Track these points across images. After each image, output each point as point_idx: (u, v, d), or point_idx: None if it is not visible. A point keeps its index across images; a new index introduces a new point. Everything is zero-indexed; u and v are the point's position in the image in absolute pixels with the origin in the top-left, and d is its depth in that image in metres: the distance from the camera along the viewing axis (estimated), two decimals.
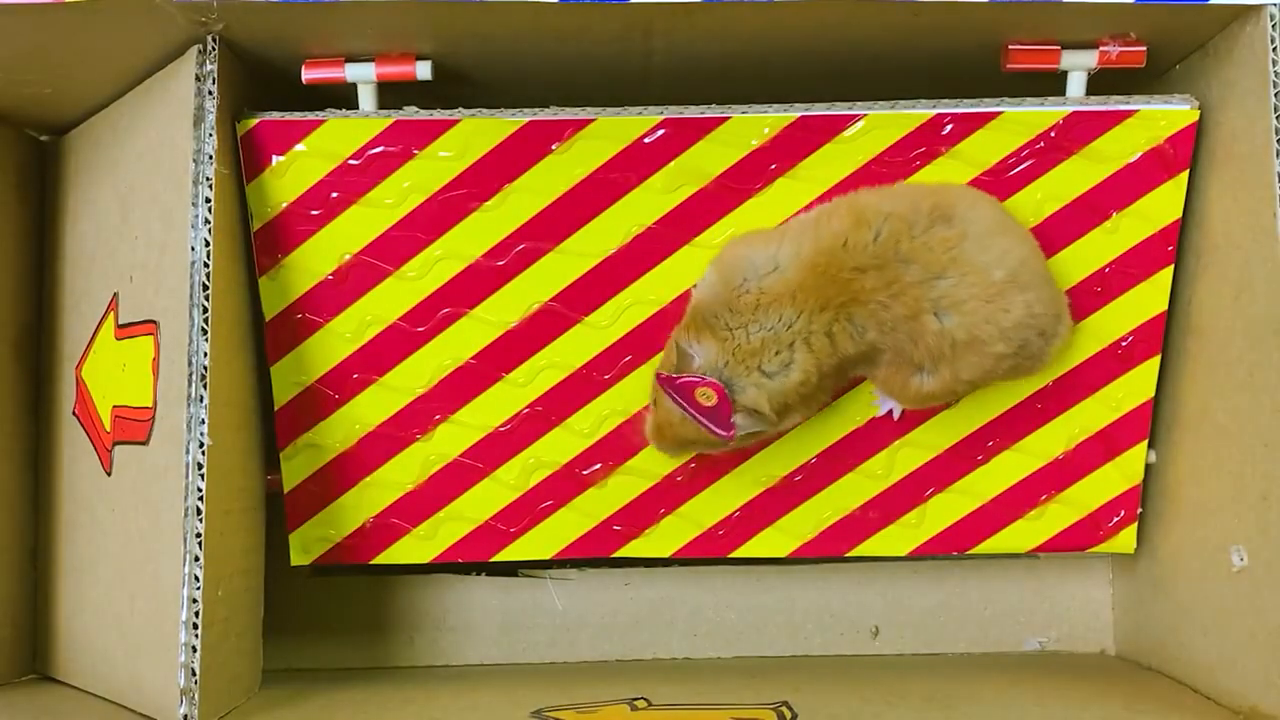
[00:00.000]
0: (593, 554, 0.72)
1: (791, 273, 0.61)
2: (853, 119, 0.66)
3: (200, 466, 0.61)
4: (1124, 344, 0.69)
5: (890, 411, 0.69)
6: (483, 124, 0.66)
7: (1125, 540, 0.72)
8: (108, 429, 0.69)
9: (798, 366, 0.61)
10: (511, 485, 0.71)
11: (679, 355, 0.62)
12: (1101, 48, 0.67)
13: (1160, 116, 0.66)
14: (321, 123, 0.66)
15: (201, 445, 0.61)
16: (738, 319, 0.61)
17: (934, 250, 0.60)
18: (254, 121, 0.66)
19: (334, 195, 0.67)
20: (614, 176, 0.67)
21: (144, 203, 0.67)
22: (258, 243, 0.68)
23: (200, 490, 0.61)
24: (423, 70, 0.67)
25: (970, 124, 0.66)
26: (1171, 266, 0.68)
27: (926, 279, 0.60)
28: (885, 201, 0.62)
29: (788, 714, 0.63)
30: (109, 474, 0.69)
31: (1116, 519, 0.71)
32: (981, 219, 0.61)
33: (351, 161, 0.67)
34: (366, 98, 0.68)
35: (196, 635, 0.61)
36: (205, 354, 0.62)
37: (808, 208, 0.67)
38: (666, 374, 0.62)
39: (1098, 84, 0.68)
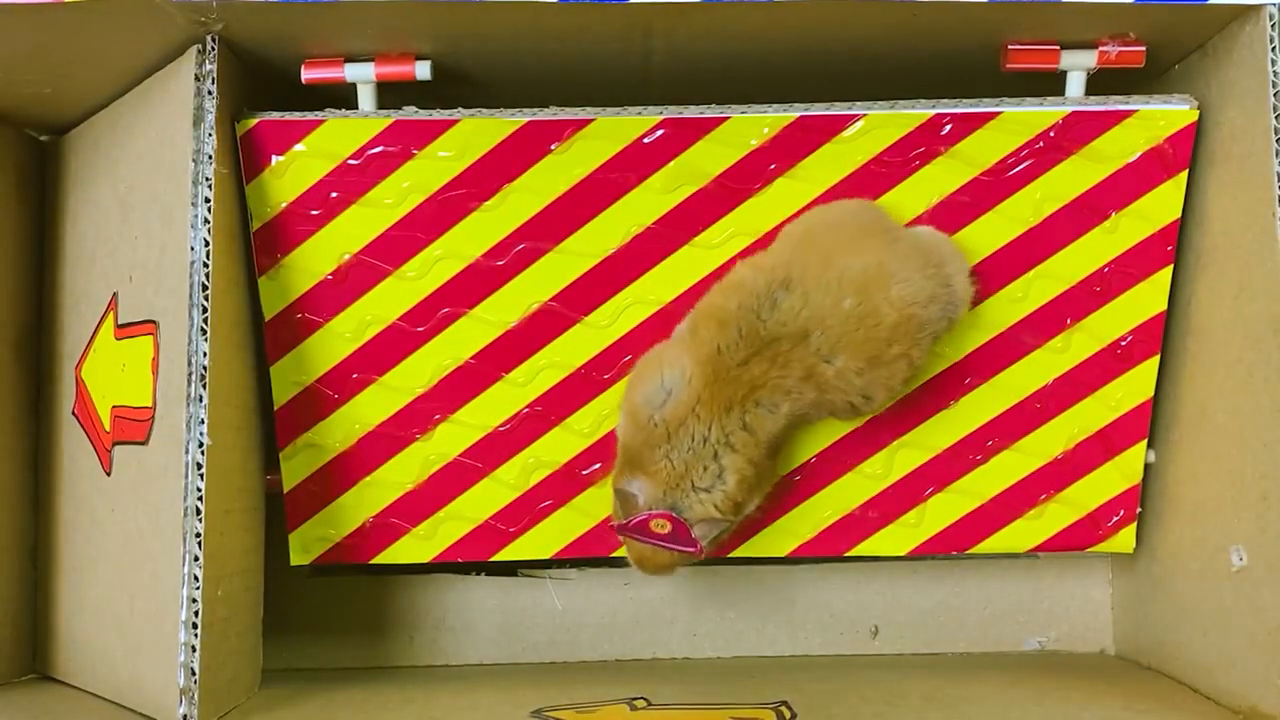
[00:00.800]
0: (592, 554, 0.72)
1: (684, 393, 0.63)
2: (852, 119, 0.66)
3: (200, 466, 0.61)
4: (1123, 344, 0.69)
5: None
6: (482, 124, 0.66)
7: (1124, 540, 0.72)
8: (107, 429, 0.69)
9: (730, 470, 0.63)
10: (511, 485, 0.71)
11: (623, 500, 0.65)
12: (1101, 48, 0.67)
13: (1160, 116, 0.66)
14: (321, 123, 0.66)
15: (201, 445, 0.61)
16: (659, 451, 0.63)
17: (788, 324, 0.61)
18: (254, 121, 0.66)
19: (334, 195, 0.67)
20: (614, 176, 0.67)
21: (144, 203, 0.67)
22: (257, 243, 0.68)
23: (200, 490, 0.61)
24: (422, 70, 0.67)
25: (970, 124, 0.66)
26: (1171, 266, 0.68)
27: (797, 344, 0.61)
28: (730, 298, 0.63)
29: (787, 714, 0.63)
30: (109, 474, 0.69)
31: (1116, 519, 0.71)
32: (809, 264, 0.62)
33: (351, 161, 0.67)
34: (366, 98, 0.68)
35: (196, 635, 0.61)
36: (205, 354, 0.62)
37: (807, 207, 0.67)
38: (619, 523, 0.65)
39: (1097, 84, 0.68)
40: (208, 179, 0.62)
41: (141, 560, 0.65)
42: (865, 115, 0.66)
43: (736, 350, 0.62)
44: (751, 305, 0.62)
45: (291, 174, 0.67)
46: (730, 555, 0.72)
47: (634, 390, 0.65)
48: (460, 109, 0.67)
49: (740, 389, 0.62)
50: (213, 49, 0.63)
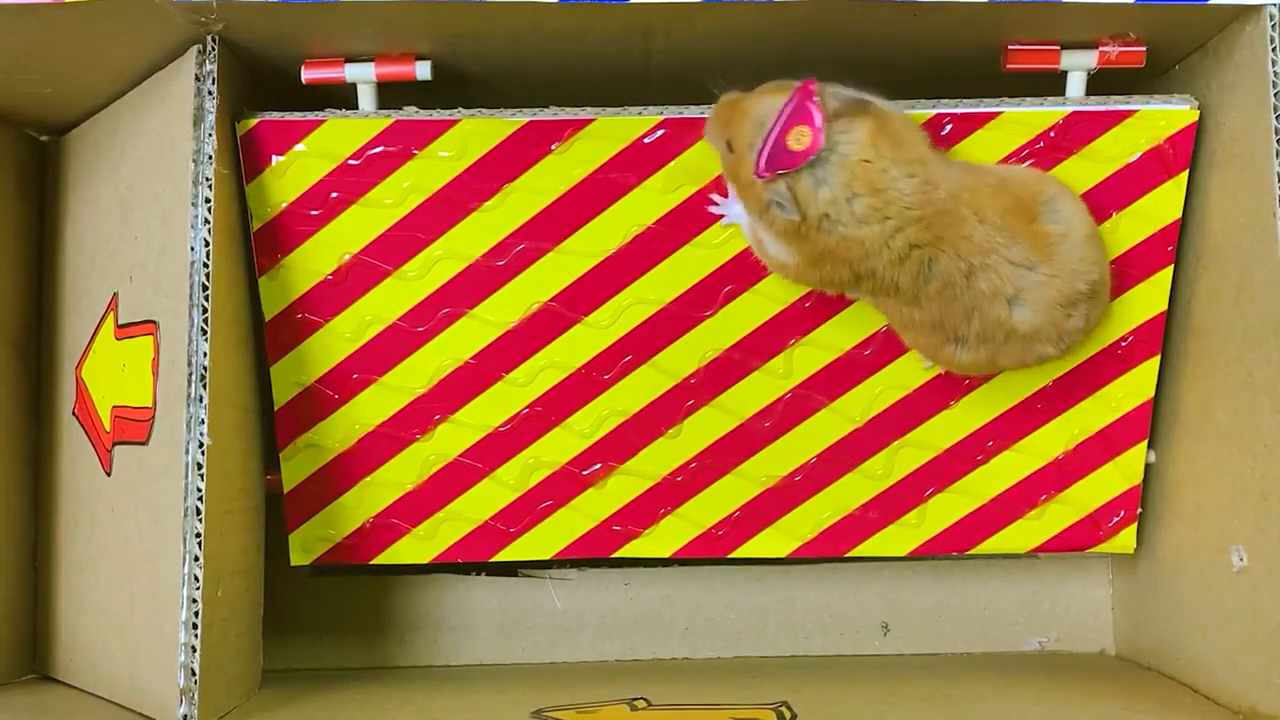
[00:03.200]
0: (592, 554, 0.72)
1: (939, 176, 0.59)
2: None
3: (200, 466, 0.61)
4: (1124, 344, 0.69)
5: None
6: (482, 124, 0.66)
7: (1125, 540, 0.72)
8: (107, 429, 0.69)
9: (867, 229, 0.58)
10: (511, 485, 0.71)
11: (832, 97, 0.57)
12: (1101, 48, 0.67)
13: (1160, 116, 0.66)
14: (321, 123, 0.66)
15: (201, 445, 0.61)
16: (896, 154, 0.58)
17: (1040, 238, 0.60)
18: (254, 121, 0.66)
19: (334, 195, 0.67)
20: (614, 176, 0.67)
21: (144, 203, 0.67)
22: (257, 243, 0.68)
23: (200, 490, 0.61)
24: (422, 70, 0.67)
25: (970, 124, 0.66)
26: (1171, 266, 0.68)
27: (1022, 264, 0.59)
28: (1017, 182, 0.62)
29: (787, 714, 0.63)
30: (109, 474, 0.69)
31: (1116, 519, 0.71)
32: (1081, 225, 0.62)
33: (351, 161, 0.67)
34: (366, 98, 0.68)
35: (196, 635, 0.61)
36: (205, 354, 0.62)
37: None
38: (816, 85, 0.56)
39: (1097, 84, 0.68)
40: (208, 179, 0.62)
41: (141, 560, 0.65)
42: None
43: (991, 208, 0.59)
44: (1024, 198, 0.60)
45: (291, 174, 0.67)
46: (730, 555, 0.72)
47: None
48: (460, 109, 0.67)
49: (945, 228, 0.58)
50: (213, 49, 0.63)
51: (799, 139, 0.55)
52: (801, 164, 0.56)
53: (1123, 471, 0.70)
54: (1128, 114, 0.66)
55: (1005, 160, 0.66)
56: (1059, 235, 0.61)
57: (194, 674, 0.61)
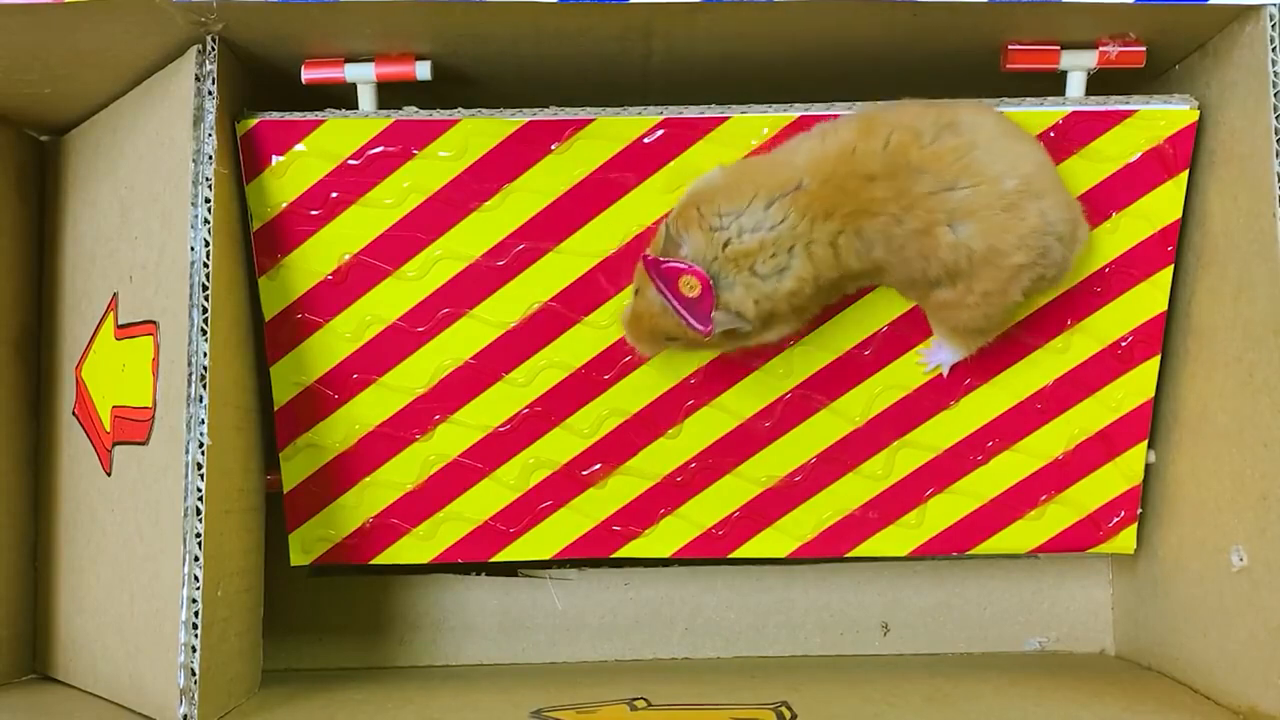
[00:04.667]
0: (592, 554, 0.72)
1: (794, 174, 0.59)
2: None
3: (200, 466, 0.61)
4: (1124, 344, 0.69)
5: (941, 372, 0.68)
6: (482, 124, 0.66)
7: (1125, 540, 0.72)
8: (107, 429, 0.69)
9: (793, 274, 0.59)
10: (511, 485, 0.71)
11: (666, 240, 0.60)
12: (1101, 48, 0.67)
13: (1160, 116, 0.66)
14: (321, 123, 0.66)
15: (201, 445, 0.61)
16: (734, 210, 0.59)
17: (944, 159, 0.58)
18: (254, 121, 0.66)
19: (334, 195, 0.67)
20: (614, 176, 0.67)
21: (144, 203, 0.67)
22: (257, 243, 0.68)
23: (200, 490, 0.61)
24: (422, 70, 0.67)
25: None
26: (1171, 266, 0.68)
27: (939, 189, 0.58)
28: (891, 113, 0.60)
29: (787, 714, 0.63)
30: (109, 474, 0.69)
31: (1116, 519, 0.71)
32: (988, 127, 0.60)
33: (351, 161, 0.67)
34: (366, 98, 0.68)
35: (196, 635, 0.61)
36: (205, 354, 0.62)
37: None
38: (654, 256, 0.60)
39: (1097, 84, 0.68)
40: (208, 179, 0.62)
41: (141, 560, 0.65)
42: None
43: (871, 160, 0.58)
44: (911, 125, 0.59)
45: (291, 174, 0.67)
46: (730, 555, 0.72)
47: (747, 157, 0.61)
48: (460, 109, 0.67)
49: (851, 204, 0.58)
50: (213, 49, 0.63)
51: (691, 288, 0.59)
52: (713, 297, 0.59)
53: (1123, 472, 0.70)
54: (1128, 114, 0.66)
55: None
56: (965, 145, 0.59)
57: (194, 674, 0.61)
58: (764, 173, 0.61)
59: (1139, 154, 0.66)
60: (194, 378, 0.62)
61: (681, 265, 0.59)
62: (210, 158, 0.63)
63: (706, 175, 0.63)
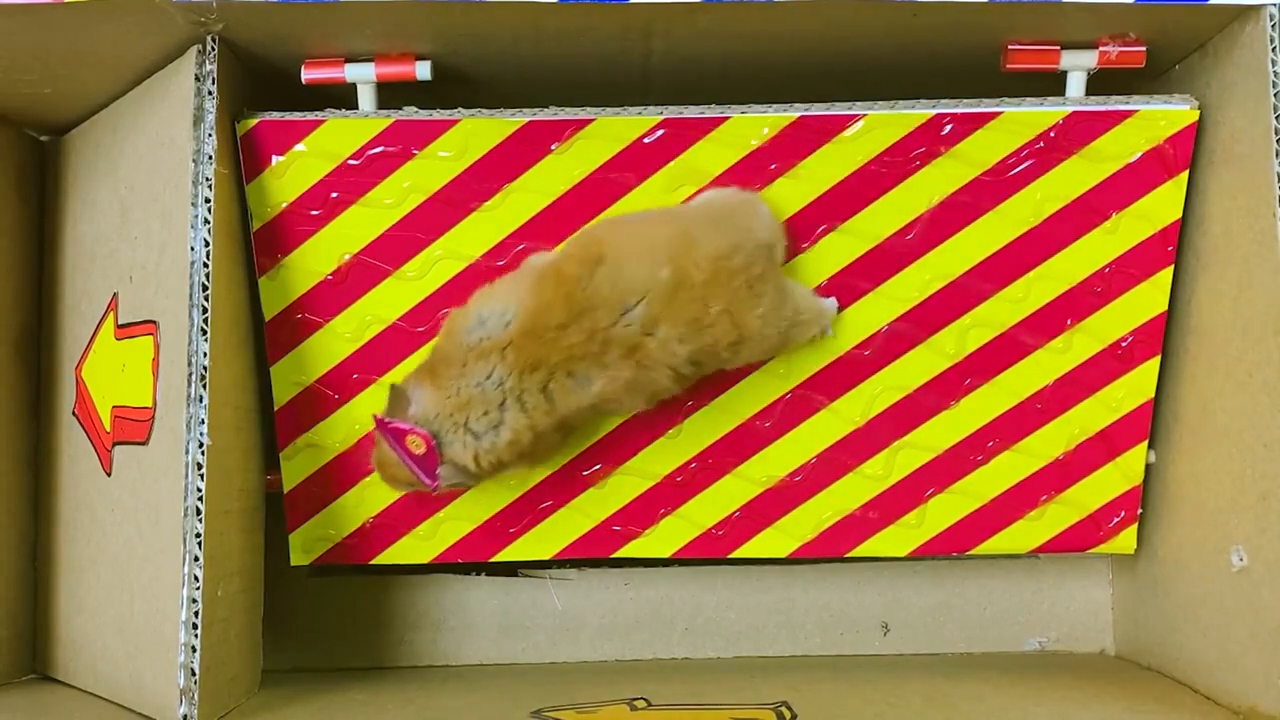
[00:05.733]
0: (592, 554, 0.72)
1: (500, 331, 0.62)
2: (852, 119, 0.66)
3: (200, 466, 0.61)
4: (1124, 344, 0.69)
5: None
6: (482, 124, 0.66)
7: (1125, 541, 0.72)
8: (108, 429, 0.69)
9: (507, 427, 0.62)
10: (511, 485, 0.71)
11: (395, 398, 0.63)
12: (1101, 48, 0.67)
13: (1160, 116, 0.66)
14: (321, 123, 0.66)
15: (201, 445, 0.61)
16: (454, 371, 0.62)
17: (602, 291, 0.61)
18: (254, 121, 0.66)
19: (334, 195, 0.67)
20: (614, 176, 0.67)
21: (144, 203, 0.67)
22: (257, 243, 0.68)
23: (200, 490, 0.61)
24: (422, 70, 0.67)
25: (970, 124, 0.66)
26: (1171, 267, 0.68)
27: (617, 318, 0.61)
28: (548, 263, 0.63)
29: (787, 714, 0.63)
30: (109, 474, 0.69)
31: (1117, 519, 0.71)
32: (619, 240, 0.62)
33: (351, 161, 0.67)
34: (366, 98, 0.68)
35: (196, 635, 0.61)
36: (205, 354, 0.62)
37: (808, 207, 0.67)
38: (380, 416, 0.63)
39: (1097, 84, 0.68)
40: (208, 179, 0.62)
41: (141, 560, 0.65)
42: (865, 115, 0.66)
43: (556, 312, 0.61)
44: (566, 272, 0.62)
45: (291, 174, 0.67)
46: (730, 556, 0.72)
47: (477, 296, 0.64)
48: (460, 109, 0.67)
49: (553, 354, 0.61)
50: (213, 49, 0.63)
51: (417, 446, 0.62)
52: (437, 455, 0.62)
53: (1123, 472, 0.70)
54: (1128, 114, 0.66)
55: (1005, 160, 0.66)
56: (614, 269, 0.61)
57: (194, 674, 0.61)
58: (488, 340, 0.63)
59: (1139, 154, 0.66)
60: (194, 378, 0.62)
61: (404, 426, 0.62)
62: (210, 158, 0.63)
63: (445, 327, 0.65)
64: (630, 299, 0.61)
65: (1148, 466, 0.71)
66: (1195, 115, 0.66)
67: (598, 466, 0.71)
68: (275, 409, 0.70)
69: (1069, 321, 0.69)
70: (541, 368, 0.61)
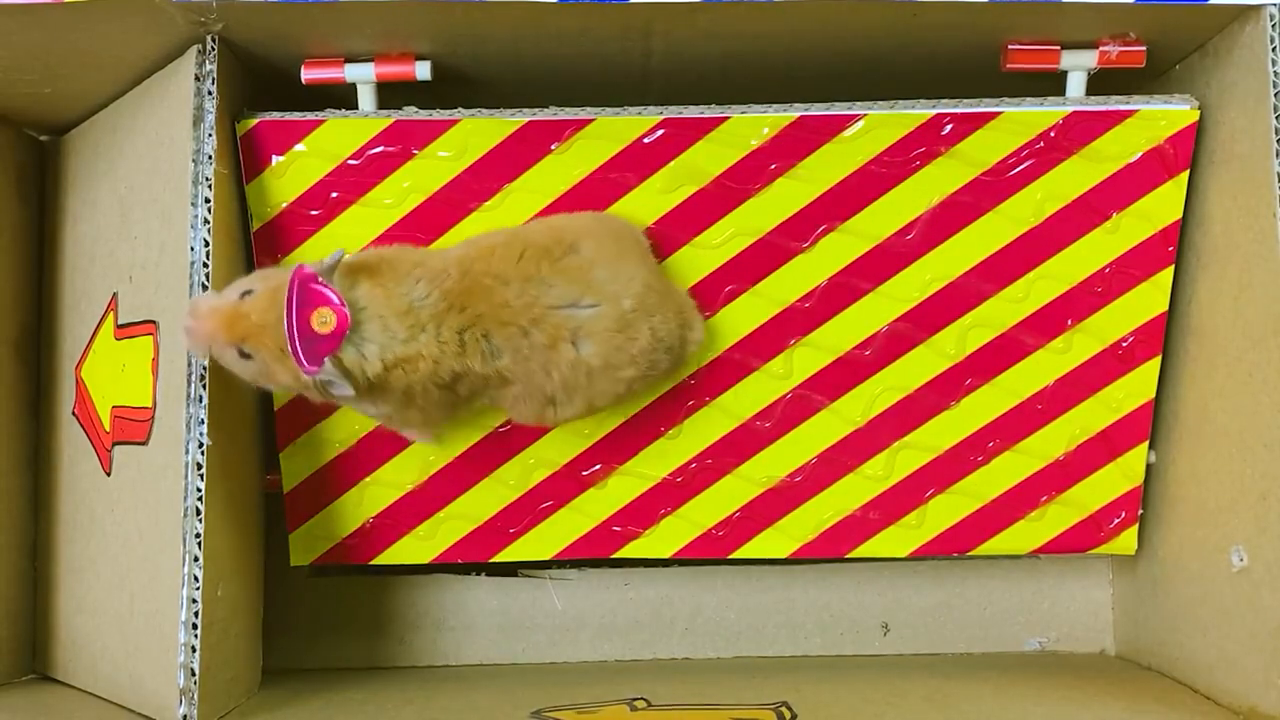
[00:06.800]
0: (593, 554, 0.72)
1: (442, 262, 0.60)
2: (852, 119, 0.66)
3: (200, 466, 0.61)
4: (1125, 344, 0.69)
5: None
6: (482, 124, 0.66)
7: (1126, 542, 0.72)
8: (107, 429, 0.69)
9: (415, 343, 0.58)
10: (511, 485, 0.71)
11: (340, 270, 0.59)
12: (1101, 48, 0.67)
13: (1160, 116, 0.66)
14: (321, 123, 0.66)
15: (201, 445, 0.61)
16: (400, 277, 0.59)
17: (570, 274, 0.60)
18: (254, 121, 0.66)
19: (334, 195, 0.67)
20: (614, 176, 0.67)
21: (144, 203, 0.67)
22: (257, 243, 0.68)
23: (200, 490, 0.61)
24: (422, 70, 0.67)
25: (970, 124, 0.66)
26: (1172, 267, 0.68)
27: (565, 304, 0.60)
28: (528, 232, 0.63)
29: (787, 714, 0.63)
30: (109, 474, 0.69)
31: (1117, 520, 0.71)
32: (604, 249, 0.62)
33: (351, 161, 0.67)
34: (366, 98, 0.68)
35: (196, 635, 0.61)
36: None
37: (808, 207, 0.67)
38: (314, 270, 0.57)
39: (1098, 84, 0.68)
40: (208, 179, 0.62)
41: (141, 560, 0.65)
42: (865, 115, 0.66)
43: (505, 264, 0.60)
44: (543, 244, 0.61)
45: (291, 174, 0.67)
46: (730, 556, 0.72)
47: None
48: (460, 109, 0.67)
49: (484, 303, 0.59)
50: (213, 49, 0.63)
51: (324, 322, 0.56)
52: (339, 343, 0.57)
53: (1124, 472, 0.70)
54: (1128, 114, 0.66)
55: (1005, 160, 0.66)
56: (586, 264, 0.61)
57: (194, 674, 0.61)
58: (436, 257, 0.62)
59: (1139, 154, 0.66)
60: (194, 378, 0.62)
61: (333, 297, 0.57)
62: (210, 158, 0.63)
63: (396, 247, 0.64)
64: (586, 298, 0.60)
65: (1148, 467, 0.71)
66: (1195, 115, 0.66)
67: (598, 467, 0.71)
68: (275, 409, 0.70)
69: (1069, 322, 0.69)
70: (468, 310, 0.59)
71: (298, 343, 0.56)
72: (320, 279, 0.57)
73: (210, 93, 0.63)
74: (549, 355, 0.60)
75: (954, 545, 0.72)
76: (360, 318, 0.58)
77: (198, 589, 0.61)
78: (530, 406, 0.63)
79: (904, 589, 0.80)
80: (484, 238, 0.63)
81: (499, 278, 0.60)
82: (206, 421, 0.62)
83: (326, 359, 0.57)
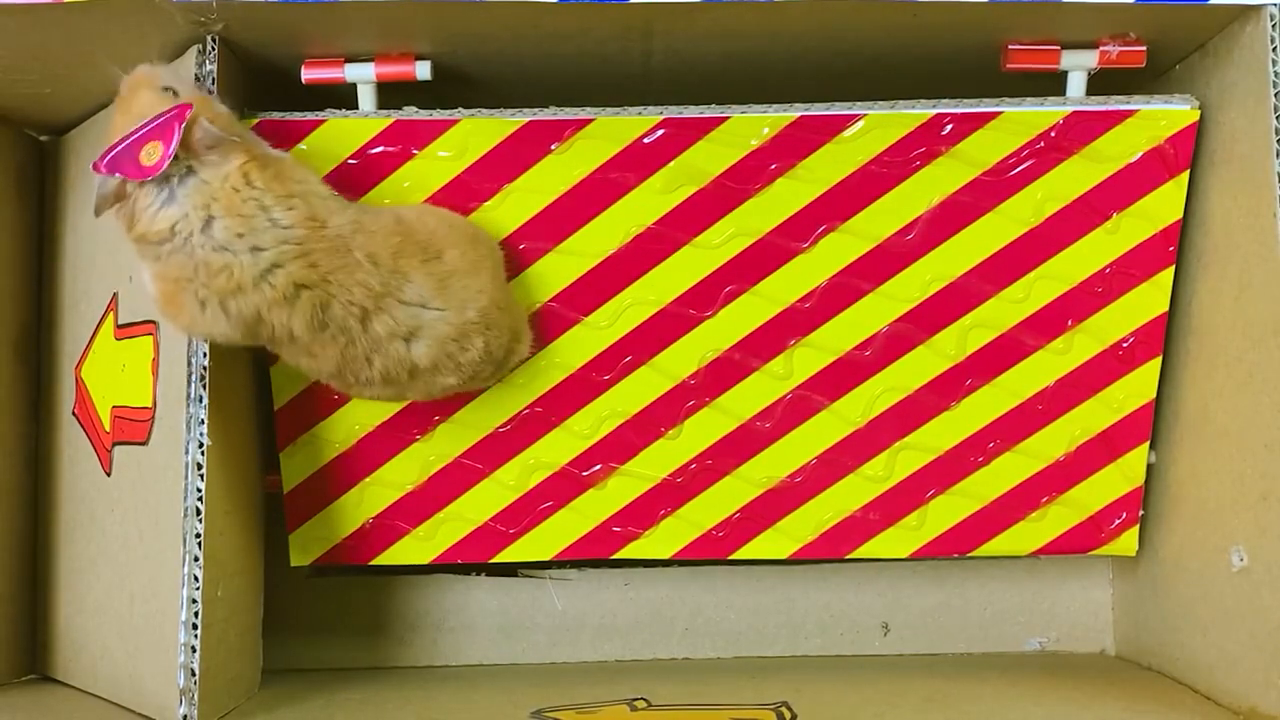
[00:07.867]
0: (592, 555, 0.72)
1: (326, 214, 0.58)
2: (852, 119, 0.66)
3: (200, 466, 0.61)
4: (1125, 345, 0.69)
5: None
6: (482, 124, 0.66)
7: (1127, 542, 0.71)
8: (107, 429, 0.69)
9: (227, 259, 0.55)
10: (511, 486, 0.71)
11: (205, 129, 0.55)
12: (1101, 48, 0.67)
13: (1160, 116, 0.66)
14: (321, 123, 0.66)
15: (201, 445, 0.61)
16: (277, 191, 0.57)
17: (432, 276, 0.60)
18: (254, 121, 0.66)
19: None
20: (614, 176, 0.67)
21: None
22: None
23: (200, 490, 0.61)
24: (422, 70, 0.67)
25: (970, 124, 0.66)
26: (1172, 267, 0.68)
27: (415, 303, 0.59)
28: (413, 226, 0.61)
29: (787, 714, 0.63)
30: (109, 474, 0.69)
31: (1118, 521, 0.71)
32: (465, 259, 0.62)
33: (351, 161, 0.67)
34: (366, 98, 0.68)
35: (196, 635, 0.61)
36: (205, 354, 0.62)
37: (808, 207, 0.67)
38: (206, 125, 0.55)
39: (1098, 84, 0.68)
40: None
41: (141, 560, 0.65)
42: (865, 115, 0.66)
43: (382, 248, 0.59)
44: (420, 241, 0.60)
45: None
46: (730, 556, 0.72)
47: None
48: (460, 109, 0.67)
49: (338, 270, 0.58)
50: (213, 49, 0.63)
51: (150, 154, 0.54)
52: (143, 179, 0.55)
53: (1124, 473, 0.70)
54: (1128, 114, 0.66)
55: (1005, 160, 0.66)
56: (446, 273, 0.61)
57: (194, 674, 0.61)
58: (326, 201, 0.60)
59: (1140, 154, 0.66)
60: (194, 378, 0.62)
61: (172, 148, 0.54)
62: None
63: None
64: (436, 301, 0.60)
65: (1148, 467, 0.71)
66: (1196, 115, 0.66)
67: (598, 467, 0.71)
68: (275, 409, 0.70)
69: (1070, 322, 0.69)
70: (319, 270, 0.57)
71: (121, 144, 0.55)
72: (190, 125, 0.55)
73: (210, 93, 0.63)
74: (379, 344, 0.59)
75: (954, 546, 0.71)
76: (190, 180, 0.55)
77: (198, 589, 0.61)
78: (337, 382, 0.62)
79: (904, 589, 0.80)
80: (381, 214, 0.61)
81: (371, 257, 0.59)
82: (206, 421, 0.62)
83: (113, 174, 0.54)
